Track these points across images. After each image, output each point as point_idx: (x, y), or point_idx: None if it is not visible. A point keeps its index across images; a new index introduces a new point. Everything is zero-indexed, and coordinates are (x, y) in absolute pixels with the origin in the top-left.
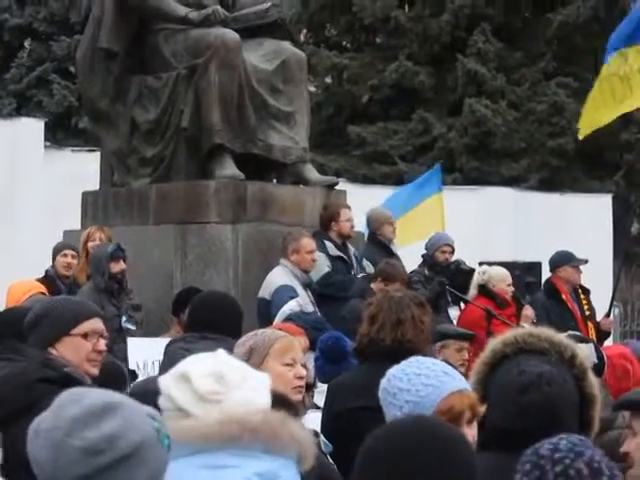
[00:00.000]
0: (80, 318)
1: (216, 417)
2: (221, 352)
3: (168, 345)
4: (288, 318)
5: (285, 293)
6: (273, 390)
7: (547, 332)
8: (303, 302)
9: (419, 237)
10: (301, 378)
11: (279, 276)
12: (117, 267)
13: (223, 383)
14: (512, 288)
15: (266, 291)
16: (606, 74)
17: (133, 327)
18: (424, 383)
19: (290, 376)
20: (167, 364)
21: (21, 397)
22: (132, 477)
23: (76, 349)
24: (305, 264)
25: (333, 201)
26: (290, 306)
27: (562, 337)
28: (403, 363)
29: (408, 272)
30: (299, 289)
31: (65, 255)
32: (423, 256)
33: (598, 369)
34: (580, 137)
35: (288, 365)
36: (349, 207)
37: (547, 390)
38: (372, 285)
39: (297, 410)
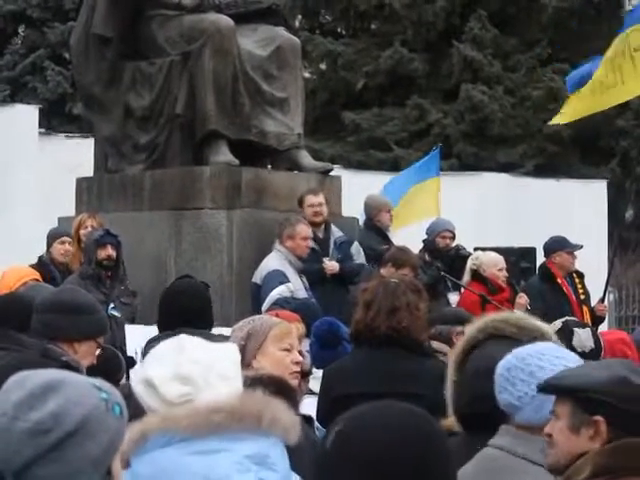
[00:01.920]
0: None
1: (201, 406)
2: (182, 344)
3: (146, 345)
4: (276, 303)
5: (275, 278)
6: (272, 375)
7: (515, 316)
8: (295, 288)
9: (415, 218)
10: (298, 364)
11: (272, 261)
12: (104, 253)
13: (189, 384)
14: (505, 273)
15: (258, 276)
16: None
17: (119, 314)
18: (565, 365)
19: (287, 361)
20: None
21: None
22: (83, 452)
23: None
24: (299, 250)
25: (308, 188)
26: (279, 291)
27: (532, 321)
28: (530, 347)
29: None
30: (292, 275)
31: (63, 242)
32: (424, 241)
33: (594, 354)
34: (560, 122)
35: (285, 350)
36: (317, 192)
37: None
38: (382, 270)
39: (296, 394)
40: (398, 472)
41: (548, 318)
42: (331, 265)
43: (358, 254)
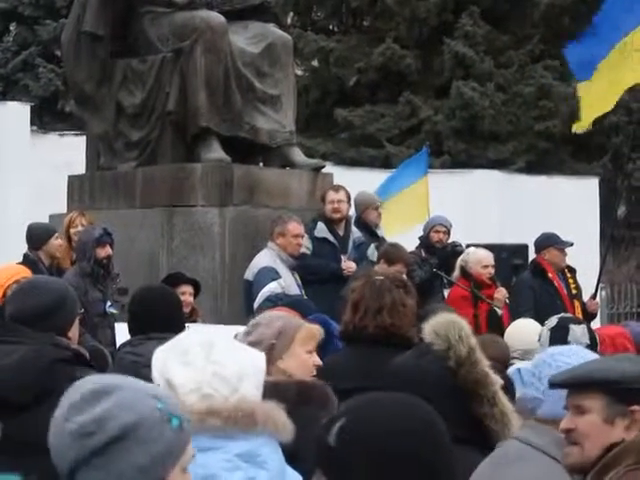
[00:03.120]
0: None
1: (195, 409)
2: (211, 343)
3: (118, 350)
4: (267, 299)
5: (267, 275)
6: (301, 380)
7: (438, 323)
8: (287, 285)
9: (405, 226)
10: (317, 366)
11: (263, 258)
12: (103, 252)
13: (209, 400)
14: (490, 270)
15: (250, 272)
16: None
17: (117, 312)
18: None
19: (310, 363)
20: (117, 371)
21: (44, 379)
22: (129, 459)
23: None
24: (291, 248)
25: (333, 184)
26: (270, 287)
27: (445, 330)
28: (560, 346)
29: None
30: (284, 272)
31: (57, 238)
32: (419, 238)
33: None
34: (579, 130)
35: (309, 352)
36: (338, 189)
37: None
38: (376, 267)
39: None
40: (406, 461)
41: (539, 313)
42: (348, 265)
43: (373, 256)
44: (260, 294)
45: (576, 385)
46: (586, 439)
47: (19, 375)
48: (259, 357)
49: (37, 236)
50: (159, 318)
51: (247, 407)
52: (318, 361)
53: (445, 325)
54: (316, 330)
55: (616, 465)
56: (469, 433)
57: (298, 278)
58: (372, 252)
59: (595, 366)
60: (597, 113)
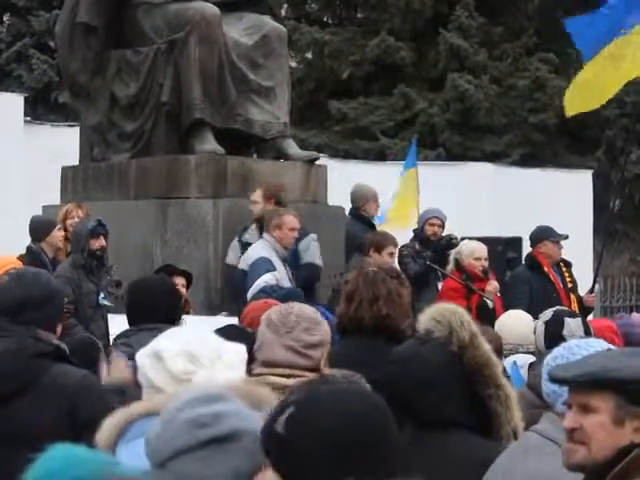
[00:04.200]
0: None
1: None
2: (195, 329)
3: (114, 340)
4: (262, 291)
5: (262, 266)
6: None
7: (437, 311)
8: (280, 277)
9: (401, 221)
10: None
11: (259, 249)
12: (97, 244)
13: (195, 362)
14: (483, 262)
15: (245, 262)
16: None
17: (111, 304)
18: None
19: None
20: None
21: (24, 372)
22: (228, 459)
23: None
24: (286, 240)
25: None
26: (265, 279)
27: (446, 317)
28: (579, 339)
29: (399, 246)
30: (277, 264)
31: (59, 229)
32: (414, 231)
33: None
34: (569, 114)
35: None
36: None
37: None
38: (367, 258)
39: None
40: (353, 447)
41: (535, 307)
42: None
43: (309, 250)
44: (255, 285)
45: (585, 383)
46: (593, 440)
47: (1, 368)
48: (241, 347)
49: (40, 228)
50: (157, 309)
51: (240, 387)
52: None
53: (445, 312)
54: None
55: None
56: (473, 417)
57: (289, 271)
58: (307, 244)
59: (605, 363)
60: (592, 104)
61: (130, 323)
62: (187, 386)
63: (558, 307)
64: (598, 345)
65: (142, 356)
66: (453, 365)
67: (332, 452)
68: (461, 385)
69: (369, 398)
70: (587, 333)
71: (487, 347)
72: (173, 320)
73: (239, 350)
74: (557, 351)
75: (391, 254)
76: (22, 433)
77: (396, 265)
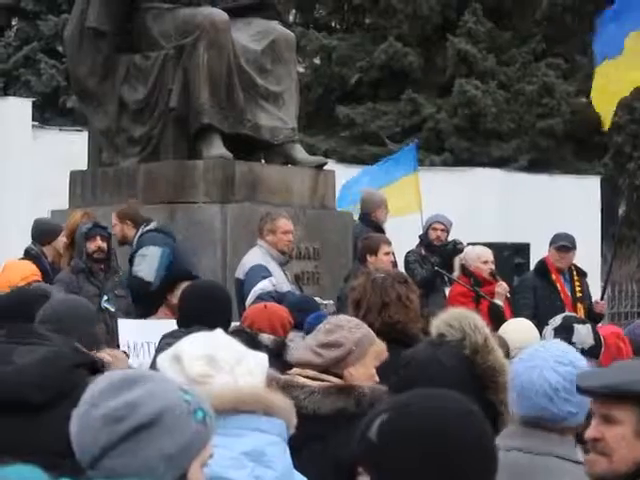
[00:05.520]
0: None
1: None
2: (219, 332)
3: (160, 341)
4: (259, 297)
5: (258, 273)
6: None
7: (451, 315)
8: (278, 282)
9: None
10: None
11: (253, 256)
12: (93, 245)
13: (215, 366)
14: (490, 266)
15: (240, 271)
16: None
17: (113, 308)
18: None
19: (375, 377)
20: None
21: (60, 381)
22: (155, 446)
23: None
24: (281, 244)
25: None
26: (262, 285)
27: (460, 321)
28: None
29: (405, 252)
30: (274, 269)
31: (64, 235)
32: (420, 236)
33: (594, 351)
34: (607, 127)
35: (375, 367)
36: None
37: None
38: (368, 264)
39: None
40: (445, 459)
41: (540, 313)
42: None
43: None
44: (252, 292)
45: (608, 395)
46: (615, 452)
47: (39, 375)
48: (263, 356)
49: (46, 232)
50: (209, 313)
51: (252, 390)
52: (377, 378)
53: (458, 316)
54: (384, 348)
55: None
56: None
57: (289, 275)
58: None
59: (630, 376)
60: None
61: (180, 325)
62: (205, 389)
63: (567, 313)
64: (556, 349)
65: (163, 358)
66: (467, 369)
67: (423, 461)
68: (473, 389)
69: (464, 407)
70: (597, 340)
71: (500, 353)
72: (223, 325)
73: (260, 358)
74: (570, 373)
75: (387, 253)
76: (50, 445)
77: (395, 266)
